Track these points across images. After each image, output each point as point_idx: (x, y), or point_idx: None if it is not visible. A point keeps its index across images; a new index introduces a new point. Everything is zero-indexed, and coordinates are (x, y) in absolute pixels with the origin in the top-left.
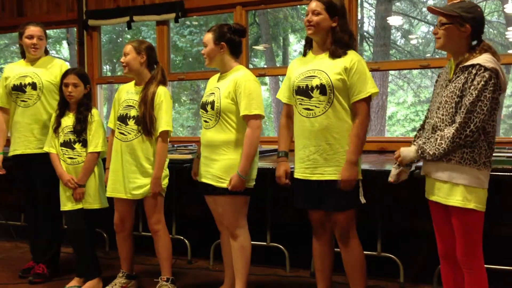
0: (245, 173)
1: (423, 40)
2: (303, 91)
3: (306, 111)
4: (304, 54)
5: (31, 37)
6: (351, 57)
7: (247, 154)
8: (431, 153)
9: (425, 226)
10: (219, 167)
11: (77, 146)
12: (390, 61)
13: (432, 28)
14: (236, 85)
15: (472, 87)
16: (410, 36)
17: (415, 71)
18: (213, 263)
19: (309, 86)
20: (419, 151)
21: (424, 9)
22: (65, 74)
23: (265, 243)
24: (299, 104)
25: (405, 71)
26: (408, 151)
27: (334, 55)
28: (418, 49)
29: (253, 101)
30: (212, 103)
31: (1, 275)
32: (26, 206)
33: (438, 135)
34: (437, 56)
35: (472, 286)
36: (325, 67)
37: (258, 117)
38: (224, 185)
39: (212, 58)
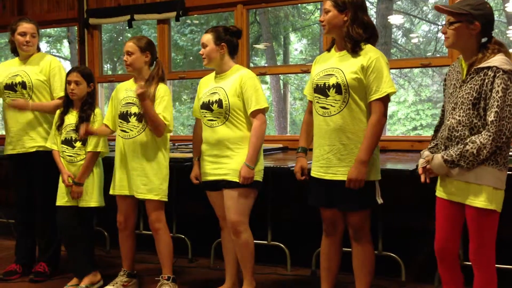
0: (252, 163)
1: (424, 39)
2: (321, 89)
3: (322, 109)
4: (329, 50)
5: (24, 34)
6: (370, 54)
7: (255, 144)
8: (470, 167)
9: (426, 225)
10: (237, 162)
11: (77, 144)
12: (391, 59)
13: (433, 26)
14: (242, 82)
15: (494, 91)
16: (411, 35)
17: (416, 70)
18: (214, 262)
19: (326, 85)
20: (452, 165)
21: (425, 8)
22: (69, 72)
23: (266, 242)
24: (317, 102)
25: (406, 70)
26: (440, 168)
27: (352, 51)
28: (419, 47)
29: (260, 96)
30: (219, 101)
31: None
32: (19, 205)
33: (472, 148)
34: (438, 55)
35: (481, 285)
36: (342, 66)
37: (265, 110)
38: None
39: (212, 58)
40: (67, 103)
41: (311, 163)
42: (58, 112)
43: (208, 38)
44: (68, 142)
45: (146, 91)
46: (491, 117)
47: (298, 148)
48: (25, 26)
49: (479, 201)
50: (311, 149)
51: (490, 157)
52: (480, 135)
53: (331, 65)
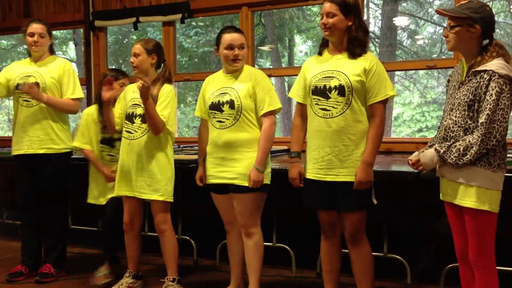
0: (262, 166)
1: (429, 41)
2: (321, 92)
3: (322, 111)
4: (320, 53)
5: (32, 34)
6: (370, 58)
7: (264, 147)
8: (452, 162)
9: (431, 227)
10: (245, 165)
11: (117, 144)
12: (396, 61)
13: (438, 28)
14: (255, 83)
15: (488, 94)
16: (417, 37)
17: (421, 72)
18: (219, 263)
19: (327, 87)
20: (440, 160)
21: (431, 10)
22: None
23: (271, 244)
24: (315, 104)
25: (411, 72)
26: (430, 160)
27: (353, 54)
28: (424, 49)
29: (273, 97)
30: (231, 102)
31: None
32: (24, 206)
33: (460, 145)
34: (444, 57)
35: (482, 286)
36: (344, 68)
37: (277, 111)
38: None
39: (244, 59)
40: (101, 104)
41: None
42: (96, 113)
43: (244, 39)
44: (108, 142)
45: (147, 87)
46: (482, 118)
47: (292, 153)
48: (33, 27)
49: (470, 201)
50: (303, 151)
51: (482, 158)
52: (471, 135)
53: (329, 67)
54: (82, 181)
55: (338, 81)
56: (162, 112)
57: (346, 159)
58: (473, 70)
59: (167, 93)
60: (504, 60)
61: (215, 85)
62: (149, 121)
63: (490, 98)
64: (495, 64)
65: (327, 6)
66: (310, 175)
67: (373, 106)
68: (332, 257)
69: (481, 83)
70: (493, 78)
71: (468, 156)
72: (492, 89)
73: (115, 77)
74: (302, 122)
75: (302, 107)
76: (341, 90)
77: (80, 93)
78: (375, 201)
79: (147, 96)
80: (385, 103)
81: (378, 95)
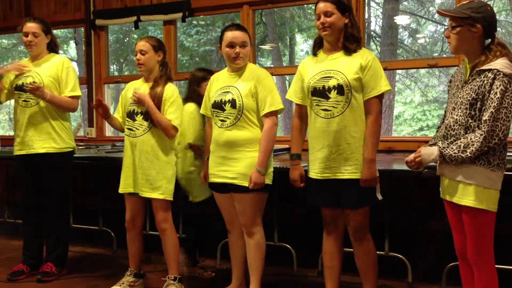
0: (263, 168)
1: (430, 39)
2: (320, 92)
3: (324, 112)
4: (315, 54)
5: (26, 34)
6: (366, 55)
7: (265, 149)
8: (452, 159)
9: (433, 225)
10: (245, 165)
11: None
12: (397, 60)
13: (439, 27)
14: (257, 82)
15: (492, 92)
16: (418, 35)
17: (422, 70)
18: (220, 262)
19: (326, 87)
20: (440, 156)
21: (432, 8)
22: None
23: (272, 243)
24: (316, 105)
25: (412, 70)
26: (429, 155)
27: (349, 51)
28: (426, 48)
29: (275, 97)
30: (233, 101)
31: None
32: (26, 206)
33: (461, 142)
34: (445, 55)
35: (481, 285)
36: (341, 67)
37: (279, 112)
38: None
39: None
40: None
41: (304, 165)
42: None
43: (246, 37)
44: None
45: (142, 97)
46: (485, 116)
47: (293, 155)
48: (27, 26)
49: (468, 200)
50: (303, 150)
51: (481, 157)
52: (473, 133)
53: (326, 67)
54: (83, 180)
55: (337, 81)
56: (170, 116)
57: (350, 156)
58: (477, 69)
59: (171, 93)
60: (508, 59)
61: (219, 84)
62: (159, 128)
63: (494, 97)
64: (500, 63)
65: (323, 5)
66: (315, 175)
67: (368, 102)
68: (334, 253)
69: (485, 82)
70: (497, 77)
71: (468, 153)
72: (497, 88)
73: (203, 77)
74: (301, 123)
75: (300, 108)
76: (340, 89)
77: (78, 91)
78: (380, 197)
79: (146, 105)
80: (381, 98)
81: (373, 91)
